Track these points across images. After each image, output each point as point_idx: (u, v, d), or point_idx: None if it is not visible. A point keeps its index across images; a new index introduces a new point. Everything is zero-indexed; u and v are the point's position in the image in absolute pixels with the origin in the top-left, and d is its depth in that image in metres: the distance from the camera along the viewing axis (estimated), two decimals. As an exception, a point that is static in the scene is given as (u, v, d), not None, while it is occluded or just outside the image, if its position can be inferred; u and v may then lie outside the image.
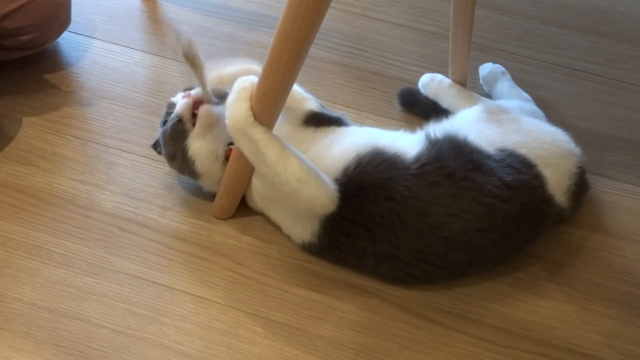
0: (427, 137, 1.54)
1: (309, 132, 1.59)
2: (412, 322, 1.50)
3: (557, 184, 1.55)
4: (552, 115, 1.81)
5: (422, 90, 1.84)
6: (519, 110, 1.70)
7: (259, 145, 1.43)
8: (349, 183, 1.48)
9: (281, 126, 1.57)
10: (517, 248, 1.56)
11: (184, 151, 1.55)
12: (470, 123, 1.60)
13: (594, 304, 1.55)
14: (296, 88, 1.61)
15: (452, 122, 1.62)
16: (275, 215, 1.58)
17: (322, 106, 1.64)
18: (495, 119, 1.61)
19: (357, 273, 1.54)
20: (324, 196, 1.45)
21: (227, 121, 1.45)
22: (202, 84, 1.54)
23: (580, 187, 1.61)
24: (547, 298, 1.55)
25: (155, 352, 1.43)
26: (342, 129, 1.61)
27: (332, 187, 1.46)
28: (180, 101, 1.55)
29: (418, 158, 1.49)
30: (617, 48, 2.06)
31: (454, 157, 1.49)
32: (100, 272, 1.52)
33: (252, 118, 1.43)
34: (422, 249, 1.47)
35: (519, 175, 1.51)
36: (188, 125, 1.54)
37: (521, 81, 1.87)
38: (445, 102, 1.80)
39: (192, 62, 1.51)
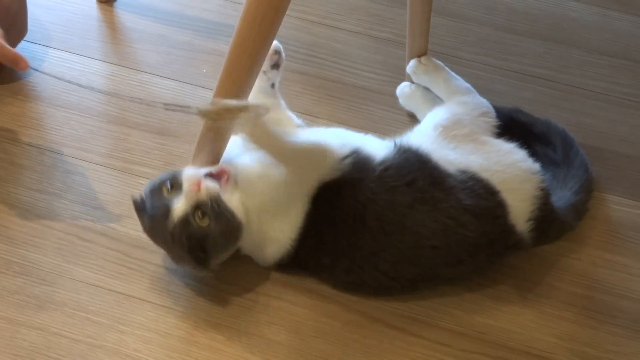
0: (395, 144, 1.55)
1: None
2: (370, 327, 1.51)
3: (519, 210, 1.54)
4: (507, 121, 1.83)
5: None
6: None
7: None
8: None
9: None
10: (468, 273, 1.55)
11: None
12: (429, 140, 1.58)
13: (551, 307, 1.57)
14: (291, 114, 1.67)
15: (416, 134, 1.61)
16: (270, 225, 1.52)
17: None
18: (452, 135, 1.59)
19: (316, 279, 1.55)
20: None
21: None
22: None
23: (544, 212, 1.57)
24: (503, 301, 1.57)
25: (114, 361, 1.43)
26: (314, 129, 1.64)
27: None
28: None
29: (383, 161, 1.51)
30: (569, 54, 2.08)
31: (417, 168, 1.50)
32: (58, 281, 1.52)
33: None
34: (376, 252, 1.48)
35: (480, 201, 1.51)
36: None
37: (477, 87, 1.88)
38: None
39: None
